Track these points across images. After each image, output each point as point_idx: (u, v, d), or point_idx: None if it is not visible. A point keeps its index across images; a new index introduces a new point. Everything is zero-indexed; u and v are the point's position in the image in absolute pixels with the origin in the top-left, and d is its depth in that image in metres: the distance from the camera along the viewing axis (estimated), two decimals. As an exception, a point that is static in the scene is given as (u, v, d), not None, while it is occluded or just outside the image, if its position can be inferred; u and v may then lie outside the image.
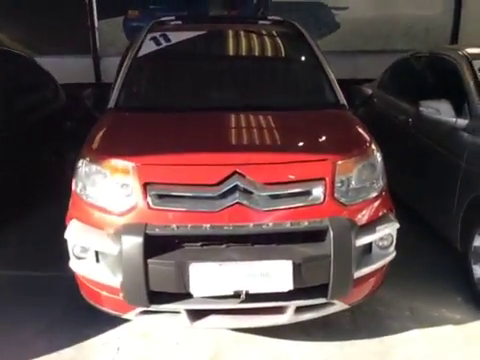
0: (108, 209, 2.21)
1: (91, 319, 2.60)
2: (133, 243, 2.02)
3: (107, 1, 7.04)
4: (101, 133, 2.57)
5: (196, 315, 2.18)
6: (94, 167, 2.29)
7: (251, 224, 2.08)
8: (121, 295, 2.17)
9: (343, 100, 2.98)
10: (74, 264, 2.29)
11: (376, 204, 2.32)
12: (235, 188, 2.13)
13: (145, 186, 2.15)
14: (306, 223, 2.10)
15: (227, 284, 2.04)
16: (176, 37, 3.34)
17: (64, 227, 2.35)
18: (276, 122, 2.67)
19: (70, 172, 4.56)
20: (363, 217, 2.26)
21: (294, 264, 2.03)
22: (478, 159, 2.91)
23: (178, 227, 2.06)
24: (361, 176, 2.32)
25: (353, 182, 2.28)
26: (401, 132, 3.98)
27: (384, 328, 2.67)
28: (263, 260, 2.04)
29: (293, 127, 2.62)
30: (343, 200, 2.22)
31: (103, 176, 2.26)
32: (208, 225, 2.06)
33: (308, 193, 2.18)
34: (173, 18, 3.74)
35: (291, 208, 2.15)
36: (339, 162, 2.25)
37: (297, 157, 2.25)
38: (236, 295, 2.06)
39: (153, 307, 2.12)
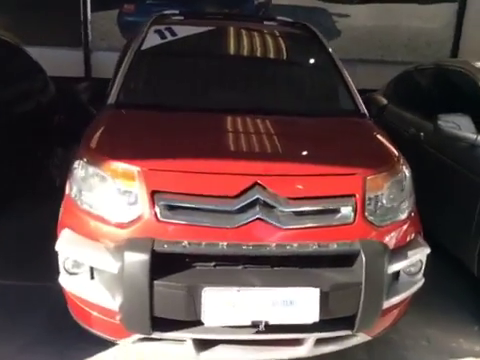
0: (108, 219, 1.93)
1: (81, 338, 2.29)
2: (138, 261, 1.74)
3: (101, -8, 6.74)
4: (101, 131, 2.28)
5: (203, 345, 1.91)
6: (93, 169, 2.01)
7: (273, 244, 1.83)
8: (118, 319, 1.89)
9: (364, 108, 2.77)
10: (64, 280, 1.99)
11: (407, 226, 2.10)
12: (255, 202, 1.87)
13: (152, 195, 1.87)
14: (335, 246, 1.85)
15: (245, 313, 1.77)
16: (183, 31, 3.09)
17: (53, 234, 2.07)
18: (296, 129, 2.43)
19: (56, 170, 4.31)
20: (394, 240, 2.03)
21: (321, 292, 1.78)
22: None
23: (190, 244, 1.79)
24: (391, 194, 2.09)
25: (384, 200, 2.05)
26: (411, 146, 3.78)
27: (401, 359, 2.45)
28: (287, 287, 1.79)
29: (316, 136, 2.38)
30: (374, 221, 1.98)
31: (103, 180, 1.98)
32: (225, 243, 1.80)
33: (336, 211, 1.94)
34: (177, 12, 3.49)
35: (317, 227, 1.90)
36: (369, 177, 2.02)
37: (325, 170, 2.01)
38: (253, 325, 1.80)
39: (155, 334, 1.84)
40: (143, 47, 2.91)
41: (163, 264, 1.79)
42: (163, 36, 3.04)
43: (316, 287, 1.78)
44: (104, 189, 1.97)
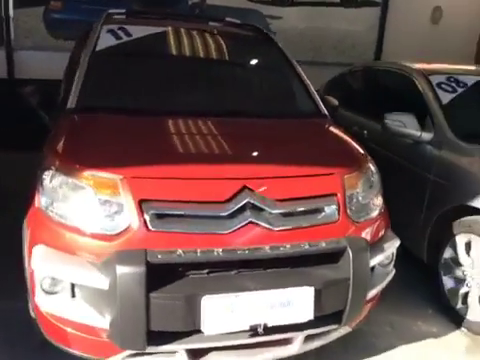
0: (90, 232, 1.82)
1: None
2: (132, 274, 1.67)
3: (26, -12, 6.29)
4: (69, 138, 2.14)
5: (196, 354, 1.88)
6: (67, 179, 1.88)
7: (267, 246, 1.84)
8: (106, 336, 1.80)
9: (324, 109, 2.87)
10: (42, 300, 1.85)
11: (381, 220, 2.22)
12: (245, 205, 1.87)
13: (140, 204, 1.80)
14: (323, 244, 1.91)
15: (244, 318, 1.77)
16: (137, 32, 2.97)
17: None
18: (270, 131, 2.45)
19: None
20: (370, 235, 2.14)
21: (315, 290, 1.83)
22: (449, 173, 2.97)
23: (185, 253, 1.75)
24: (364, 191, 2.20)
25: (359, 197, 2.14)
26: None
27: (372, 347, 2.60)
28: (283, 287, 1.81)
29: (290, 137, 2.42)
30: (353, 218, 2.07)
31: (81, 191, 1.86)
32: (220, 249, 1.78)
33: (321, 210, 2.00)
34: (123, 11, 3.39)
35: (305, 227, 1.95)
36: (346, 176, 2.11)
37: (307, 170, 2.06)
38: (252, 329, 1.80)
39: (150, 349, 1.78)
40: (98, 48, 2.77)
41: (155, 275, 1.73)
42: (118, 36, 2.91)
43: (310, 286, 1.83)
44: (82, 200, 1.86)
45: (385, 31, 7.59)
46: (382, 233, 2.24)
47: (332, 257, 1.97)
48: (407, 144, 3.32)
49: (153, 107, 2.50)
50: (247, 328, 1.78)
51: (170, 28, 3.11)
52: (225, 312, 1.74)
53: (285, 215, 1.93)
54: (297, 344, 1.99)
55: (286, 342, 1.99)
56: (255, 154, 2.14)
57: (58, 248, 1.84)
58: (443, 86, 3.48)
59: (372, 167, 2.34)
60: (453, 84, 3.51)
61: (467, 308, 2.72)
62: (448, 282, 2.89)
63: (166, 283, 1.74)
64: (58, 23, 6.65)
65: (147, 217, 1.78)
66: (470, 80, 3.53)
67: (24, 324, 2.26)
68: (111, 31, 2.93)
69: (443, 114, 3.21)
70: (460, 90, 3.45)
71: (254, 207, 1.89)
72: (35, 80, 5.71)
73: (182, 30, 3.11)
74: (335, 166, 2.12)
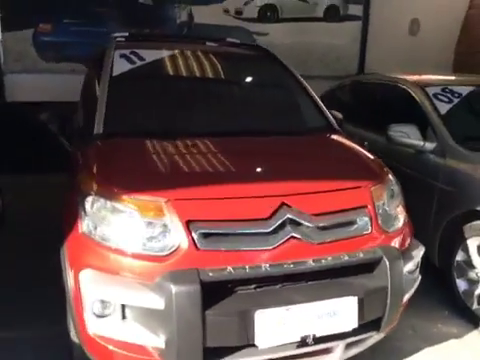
0: (137, 253, 1.87)
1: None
2: (188, 293, 1.72)
3: (14, 12, 6.28)
4: (106, 163, 2.18)
5: (245, 367, 1.93)
6: (112, 204, 1.93)
7: (311, 260, 1.92)
8: (158, 355, 1.84)
9: (335, 123, 2.98)
10: (93, 324, 1.87)
11: (406, 229, 2.33)
12: (286, 221, 1.95)
13: (187, 224, 1.86)
14: (361, 254, 2.00)
15: (295, 330, 1.84)
16: (150, 55, 3.05)
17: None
18: (296, 148, 2.54)
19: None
20: (399, 244, 2.24)
21: (358, 300, 1.91)
22: (455, 180, 3.11)
23: (235, 269, 1.81)
24: (389, 201, 2.30)
25: (386, 208, 2.25)
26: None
27: (399, 351, 2.68)
28: (329, 298, 1.89)
29: (315, 153, 2.53)
30: (384, 228, 2.17)
31: (125, 214, 1.91)
32: (267, 264, 1.85)
33: (355, 222, 2.09)
34: (126, 34, 3.46)
35: (342, 239, 2.04)
36: (372, 188, 2.21)
37: (338, 185, 2.15)
38: (301, 340, 1.86)
39: (204, 365, 1.82)
40: (115, 73, 2.83)
41: (206, 292, 1.78)
42: (132, 61, 2.98)
43: (354, 296, 1.91)
44: (128, 223, 1.91)
45: (367, 43, 7.87)
46: (408, 241, 2.34)
47: (366, 267, 2.06)
48: (410, 153, 3.46)
49: (178, 129, 2.57)
50: (298, 339, 1.85)
51: (181, 50, 3.18)
52: (277, 325, 1.81)
53: (322, 228, 2.02)
54: (338, 352, 2.06)
55: (327, 351, 2.06)
56: (289, 171, 2.22)
57: (105, 271, 1.87)
58: (439, 97, 3.65)
59: (392, 178, 2.45)
60: (448, 94, 3.68)
61: (483, 309, 2.84)
62: (462, 284, 3.01)
63: (216, 300, 1.80)
64: (48, 45, 6.68)
65: (195, 237, 1.85)
66: (464, 90, 3.70)
67: (58, 350, 2.28)
68: (124, 56, 2.99)
69: (443, 124, 3.36)
70: (456, 100, 3.62)
71: (293, 222, 1.97)
72: (28, 103, 5.74)
73: (192, 52, 3.19)
74: (362, 179, 2.23)
